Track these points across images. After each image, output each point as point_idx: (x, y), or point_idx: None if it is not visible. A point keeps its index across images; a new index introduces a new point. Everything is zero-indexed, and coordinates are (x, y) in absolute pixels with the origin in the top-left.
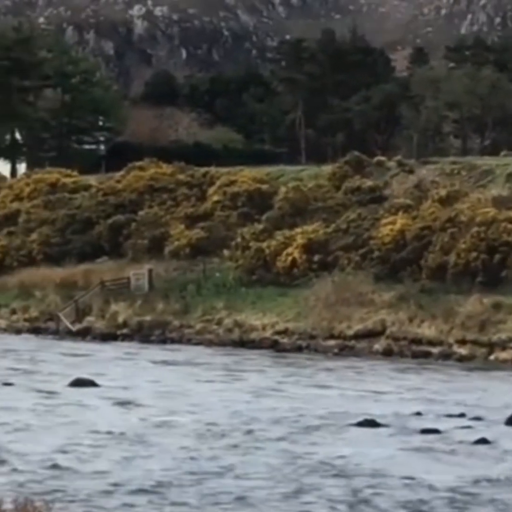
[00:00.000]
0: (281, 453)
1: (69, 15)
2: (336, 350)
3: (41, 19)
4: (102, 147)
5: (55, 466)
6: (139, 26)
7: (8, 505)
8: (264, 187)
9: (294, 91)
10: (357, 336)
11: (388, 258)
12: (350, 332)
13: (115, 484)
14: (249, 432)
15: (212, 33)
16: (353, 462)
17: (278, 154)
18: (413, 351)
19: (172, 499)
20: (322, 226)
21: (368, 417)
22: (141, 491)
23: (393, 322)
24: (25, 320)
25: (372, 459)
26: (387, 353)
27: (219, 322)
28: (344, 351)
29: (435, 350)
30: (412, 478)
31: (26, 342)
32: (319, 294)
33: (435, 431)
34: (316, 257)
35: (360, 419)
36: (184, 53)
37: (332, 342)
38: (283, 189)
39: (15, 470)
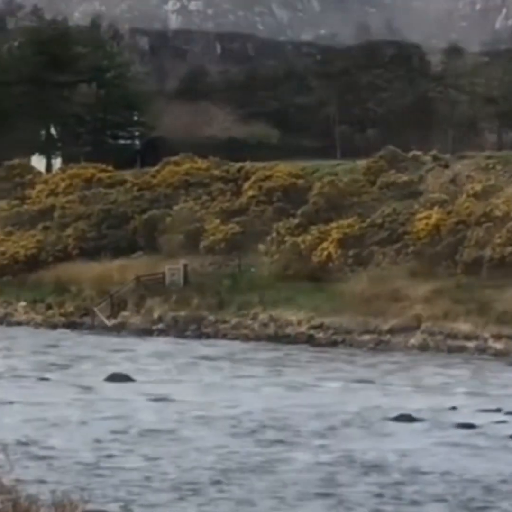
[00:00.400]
0: (318, 449)
1: (104, 10)
2: (371, 345)
3: (76, 14)
4: (137, 142)
5: (90, 462)
6: (174, 21)
7: (45, 500)
8: (300, 182)
9: (329, 85)
10: (393, 331)
11: (423, 252)
12: (386, 327)
13: (150, 480)
14: (286, 428)
15: (247, 28)
16: (389, 457)
17: (313, 149)
18: (448, 346)
19: (207, 496)
20: (358, 221)
21: (404, 412)
22: (175, 487)
23: (429, 316)
24: (61, 315)
25: (408, 454)
26: (423, 348)
27: (254, 317)
28: (380, 346)
29: (470, 344)
30: (447, 473)
31: (61, 337)
32: (355, 289)
33: (470, 425)
34: (351, 252)
35: (396, 414)
36: (218, 48)
37: (367, 337)
38: (318, 184)
39: (51, 465)
